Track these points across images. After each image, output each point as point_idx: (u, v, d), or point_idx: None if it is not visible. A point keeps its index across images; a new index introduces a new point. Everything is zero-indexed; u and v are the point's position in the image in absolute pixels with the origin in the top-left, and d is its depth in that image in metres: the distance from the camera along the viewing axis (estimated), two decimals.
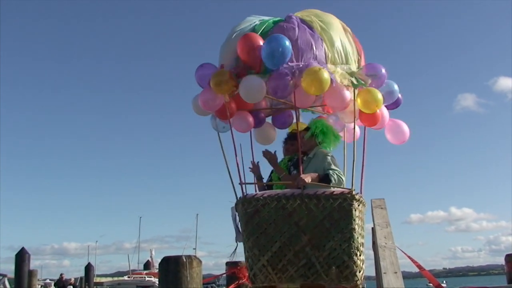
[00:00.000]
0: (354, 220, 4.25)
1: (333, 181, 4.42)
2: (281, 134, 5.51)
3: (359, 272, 4.25)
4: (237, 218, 4.67)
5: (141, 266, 52.01)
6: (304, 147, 4.89)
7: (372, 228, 6.11)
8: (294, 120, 5.37)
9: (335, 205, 4.24)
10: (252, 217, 4.36)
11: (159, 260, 6.48)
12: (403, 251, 6.08)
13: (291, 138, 5.19)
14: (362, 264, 4.34)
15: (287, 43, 4.16)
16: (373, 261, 6.45)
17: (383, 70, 4.56)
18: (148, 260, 50.73)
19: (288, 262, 4.26)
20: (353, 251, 4.21)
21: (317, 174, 4.50)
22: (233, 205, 4.70)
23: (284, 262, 4.26)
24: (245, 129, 5.08)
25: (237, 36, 4.57)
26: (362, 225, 4.45)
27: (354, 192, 4.29)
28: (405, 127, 5.03)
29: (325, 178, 4.45)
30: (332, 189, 4.35)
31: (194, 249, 52.64)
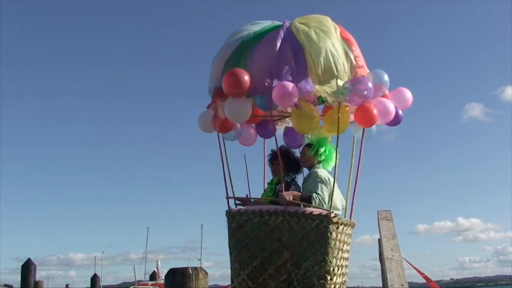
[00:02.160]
0: (329, 243, 4.24)
1: (314, 204, 4.42)
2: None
3: None
4: None
5: (147, 277, 51.81)
6: (306, 163, 4.93)
7: (379, 239, 6.09)
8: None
9: (313, 226, 4.27)
10: (235, 231, 4.47)
11: (165, 271, 6.48)
12: (409, 263, 6.08)
13: (275, 158, 5.04)
14: (338, 287, 4.35)
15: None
16: (380, 272, 6.43)
17: (370, 84, 4.35)
18: (154, 271, 50.54)
19: (269, 276, 4.32)
20: (323, 275, 4.20)
21: (300, 194, 4.56)
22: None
23: (265, 276, 4.33)
24: (248, 142, 5.24)
25: (225, 48, 4.68)
26: (342, 247, 4.44)
27: (332, 215, 4.30)
28: (408, 93, 4.89)
29: (307, 200, 4.46)
30: (312, 209, 4.38)
31: (199, 259, 52.34)
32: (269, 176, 5.26)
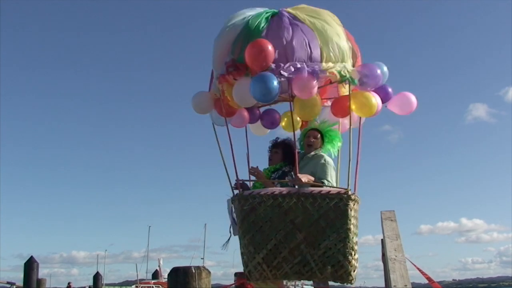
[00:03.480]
0: (350, 220, 4.26)
1: None
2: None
3: (354, 271, 4.26)
4: (233, 211, 4.69)
5: (149, 276, 51.88)
6: (311, 147, 4.96)
7: (382, 240, 6.09)
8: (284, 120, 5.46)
9: (331, 205, 4.26)
10: (248, 214, 4.40)
11: (168, 270, 6.46)
12: (413, 263, 6.05)
13: (275, 146, 5.11)
14: (356, 263, 4.34)
15: (275, 83, 4.10)
16: (383, 272, 6.42)
17: (379, 71, 4.55)
18: (156, 270, 50.61)
19: (283, 259, 4.28)
20: (348, 251, 4.23)
21: (313, 178, 4.54)
22: (229, 197, 4.72)
23: (279, 259, 4.28)
24: (240, 124, 5.12)
25: (230, 29, 4.51)
26: (356, 224, 4.45)
27: (350, 192, 4.31)
28: (412, 98, 4.98)
29: (319, 185, 4.48)
30: (328, 188, 4.39)
31: (202, 258, 52.40)
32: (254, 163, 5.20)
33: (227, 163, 4.66)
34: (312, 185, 4.44)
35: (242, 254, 4.49)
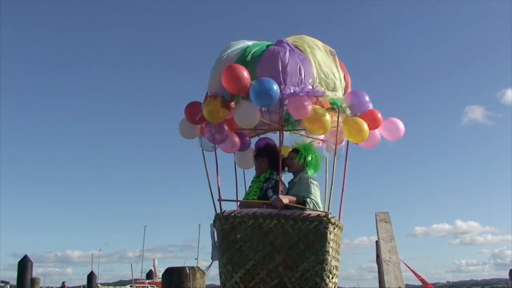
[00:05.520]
0: (329, 243, 4.31)
1: (309, 207, 4.47)
2: None
3: None
4: (215, 235, 4.68)
5: (144, 276, 51.84)
6: (292, 168, 4.96)
7: (376, 241, 6.10)
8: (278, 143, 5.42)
9: (311, 227, 4.30)
10: (228, 233, 4.42)
11: (162, 270, 6.47)
12: (407, 265, 6.08)
13: (260, 155, 5.07)
14: (334, 287, 4.39)
15: (275, 87, 4.22)
16: (377, 273, 6.43)
17: (367, 98, 4.65)
18: (150, 270, 50.57)
19: (260, 280, 4.30)
20: (325, 273, 4.27)
21: (295, 198, 4.54)
22: (212, 222, 4.72)
23: (257, 280, 4.31)
24: (231, 149, 5.17)
25: (226, 59, 4.65)
26: (337, 248, 4.51)
27: (330, 216, 4.35)
28: (400, 124, 5.09)
29: (302, 204, 4.48)
30: (309, 211, 4.40)
31: (196, 259, 52.34)
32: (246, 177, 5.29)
33: (213, 187, 4.67)
34: (294, 206, 4.46)
35: (220, 273, 4.51)
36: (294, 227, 4.30)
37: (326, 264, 4.26)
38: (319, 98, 4.49)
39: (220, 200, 4.56)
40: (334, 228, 4.38)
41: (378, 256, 6.01)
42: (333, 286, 4.34)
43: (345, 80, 4.85)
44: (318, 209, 4.49)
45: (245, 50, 4.67)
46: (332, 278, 4.33)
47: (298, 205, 4.46)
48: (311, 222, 4.30)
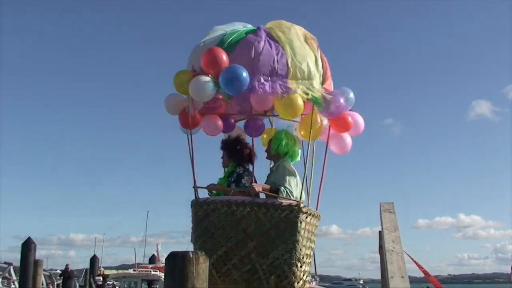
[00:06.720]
0: (299, 232, 4.36)
1: (281, 196, 4.49)
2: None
3: (298, 283, 4.35)
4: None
5: (147, 260, 52.12)
6: (269, 156, 5.04)
7: (380, 231, 6.09)
8: (270, 126, 5.53)
9: (282, 216, 4.36)
10: (201, 220, 4.50)
11: (165, 255, 6.51)
12: (410, 256, 6.06)
13: (222, 149, 5.15)
14: (304, 275, 4.45)
15: (244, 74, 4.27)
16: (379, 264, 6.43)
17: (342, 100, 4.62)
18: (153, 254, 50.81)
19: (233, 266, 4.39)
20: (293, 262, 4.32)
21: (269, 186, 4.59)
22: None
23: (229, 266, 4.39)
24: (214, 133, 5.18)
25: (205, 45, 4.70)
26: (310, 237, 4.57)
27: (302, 205, 4.39)
28: (348, 139, 5.11)
29: (275, 192, 4.52)
30: (281, 200, 4.44)
31: None
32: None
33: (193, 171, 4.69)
34: (266, 195, 4.51)
35: None
36: (266, 215, 4.35)
37: (295, 253, 4.32)
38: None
39: (195, 187, 4.61)
40: (306, 217, 4.43)
41: (381, 247, 6.01)
42: (302, 274, 4.40)
43: (323, 68, 4.80)
44: (292, 198, 4.50)
45: (222, 38, 4.69)
46: (301, 266, 4.39)
47: (271, 193, 4.50)
48: (283, 210, 4.36)
